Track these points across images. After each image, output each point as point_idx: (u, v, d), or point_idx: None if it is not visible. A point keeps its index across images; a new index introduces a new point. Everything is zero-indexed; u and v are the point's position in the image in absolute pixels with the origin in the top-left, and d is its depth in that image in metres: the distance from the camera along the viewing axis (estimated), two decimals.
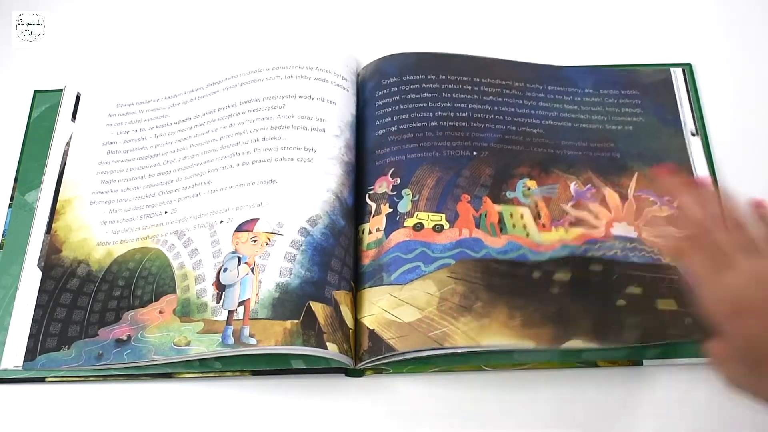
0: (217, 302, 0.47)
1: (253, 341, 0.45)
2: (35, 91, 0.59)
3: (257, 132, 0.53)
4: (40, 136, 0.57)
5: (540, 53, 0.59)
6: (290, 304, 0.46)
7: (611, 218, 0.51)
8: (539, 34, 0.61)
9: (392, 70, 0.56)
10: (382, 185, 0.52)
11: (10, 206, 0.54)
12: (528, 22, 0.62)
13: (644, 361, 0.47)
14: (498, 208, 0.51)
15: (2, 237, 0.53)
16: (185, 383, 0.48)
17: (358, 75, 0.58)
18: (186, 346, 0.46)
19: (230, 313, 0.46)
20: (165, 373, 0.48)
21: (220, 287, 0.48)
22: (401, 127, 0.54)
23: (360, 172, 0.53)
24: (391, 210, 0.51)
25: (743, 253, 0.35)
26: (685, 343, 0.46)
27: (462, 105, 0.55)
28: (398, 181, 0.52)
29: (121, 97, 0.58)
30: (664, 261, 0.49)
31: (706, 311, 0.35)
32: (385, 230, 0.50)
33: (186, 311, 0.47)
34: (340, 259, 0.48)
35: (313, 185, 0.50)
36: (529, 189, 0.52)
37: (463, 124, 0.54)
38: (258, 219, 0.49)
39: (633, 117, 0.56)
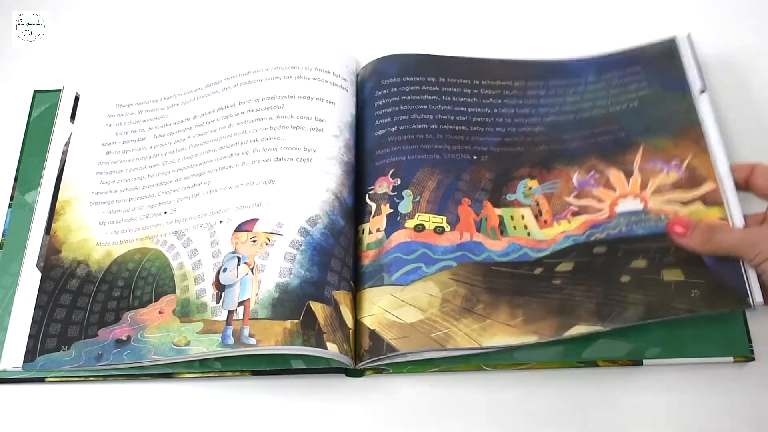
0: (217, 302, 0.47)
1: (252, 341, 0.45)
2: (35, 91, 0.59)
3: (256, 132, 0.53)
4: (40, 136, 0.57)
5: (541, 48, 0.58)
6: (290, 304, 0.46)
7: (616, 197, 0.50)
8: (540, 29, 0.61)
9: (391, 70, 0.56)
10: (382, 185, 0.52)
11: (10, 206, 0.54)
12: (528, 18, 0.62)
13: (644, 361, 0.46)
14: (498, 211, 0.51)
15: (2, 237, 0.53)
16: (185, 383, 0.48)
17: (357, 75, 0.58)
18: (186, 346, 0.46)
19: (230, 313, 0.46)
20: (165, 373, 0.48)
21: (220, 287, 0.48)
22: (401, 128, 0.54)
23: (360, 173, 0.53)
24: (392, 210, 0.51)
25: None
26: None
27: (461, 108, 0.55)
28: (398, 181, 0.51)
29: (120, 98, 0.58)
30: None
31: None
32: (385, 230, 0.50)
33: (186, 311, 0.47)
34: (340, 259, 0.48)
35: (313, 185, 0.50)
36: (530, 189, 0.52)
37: (463, 128, 0.54)
38: (257, 219, 0.49)
39: (637, 92, 0.54)
